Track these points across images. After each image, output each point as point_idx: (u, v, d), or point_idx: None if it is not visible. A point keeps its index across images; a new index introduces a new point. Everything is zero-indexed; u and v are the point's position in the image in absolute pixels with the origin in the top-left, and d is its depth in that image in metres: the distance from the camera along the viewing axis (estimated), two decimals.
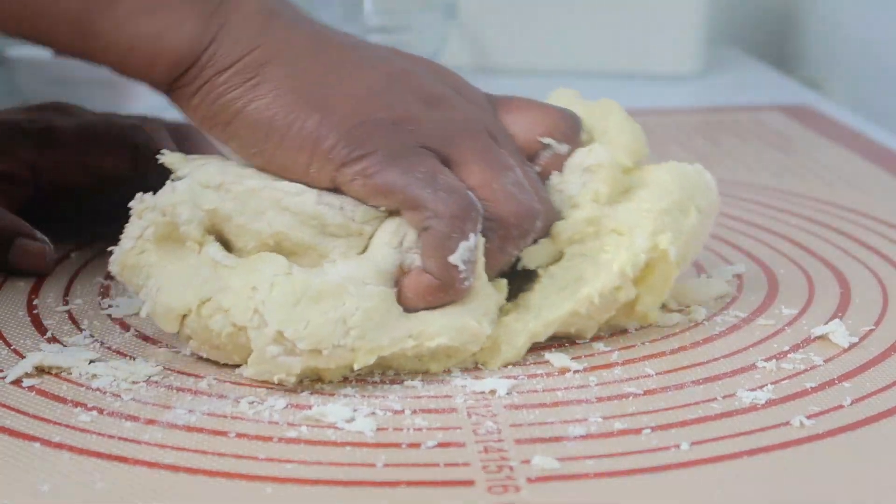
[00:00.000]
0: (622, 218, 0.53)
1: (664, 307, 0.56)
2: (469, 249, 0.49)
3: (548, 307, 0.51)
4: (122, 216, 0.69)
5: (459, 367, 0.50)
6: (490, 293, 0.50)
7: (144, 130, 0.65)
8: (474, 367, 0.50)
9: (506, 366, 0.50)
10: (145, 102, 1.00)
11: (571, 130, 0.55)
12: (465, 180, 0.50)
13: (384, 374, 0.50)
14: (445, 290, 0.49)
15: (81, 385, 0.48)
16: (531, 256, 0.53)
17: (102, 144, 0.65)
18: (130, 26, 0.50)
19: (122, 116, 0.68)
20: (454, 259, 0.48)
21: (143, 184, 0.66)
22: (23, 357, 0.50)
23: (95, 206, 0.68)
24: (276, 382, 0.48)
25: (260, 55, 0.50)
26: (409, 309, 0.49)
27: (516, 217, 0.50)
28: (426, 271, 0.49)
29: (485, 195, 0.50)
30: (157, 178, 0.60)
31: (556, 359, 0.51)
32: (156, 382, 0.49)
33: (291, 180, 0.50)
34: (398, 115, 0.51)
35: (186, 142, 0.66)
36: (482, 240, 0.50)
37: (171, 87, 0.52)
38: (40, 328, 0.54)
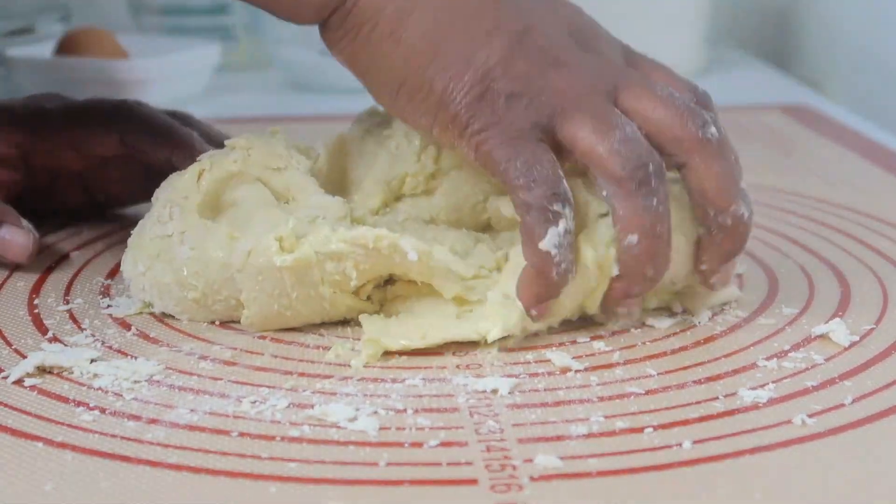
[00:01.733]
0: None
1: (664, 309, 0.56)
2: (559, 234, 0.49)
3: None
4: (114, 206, 0.70)
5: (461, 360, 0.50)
6: None
7: (129, 107, 0.66)
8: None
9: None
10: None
11: (706, 98, 0.55)
12: (573, 147, 0.51)
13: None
14: (541, 278, 0.50)
15: (83, 384, 0.48)
16: None
17: (91, 125, 0.66)
18: None
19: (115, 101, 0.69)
20: (544, 245, 0.49)
21: (132, 166, 0.67)
22: (24, 357, 0.50)
23: (86, 190, 0.68)
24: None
25: (402, 4, 0.52)
26: (529, 313, 0.51)
27: (624, 170, 0.50)
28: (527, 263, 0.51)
29: (592, 160, 0.51)
30: (138, 142, 0.61)
31: (558, 358, 0.51)
32: (157, 382, 0.49)
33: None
34: (518, 86, 0.51)
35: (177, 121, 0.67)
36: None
37: (321, 27, 0.54)
38: (41, 328, 0.54)
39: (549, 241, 0.50)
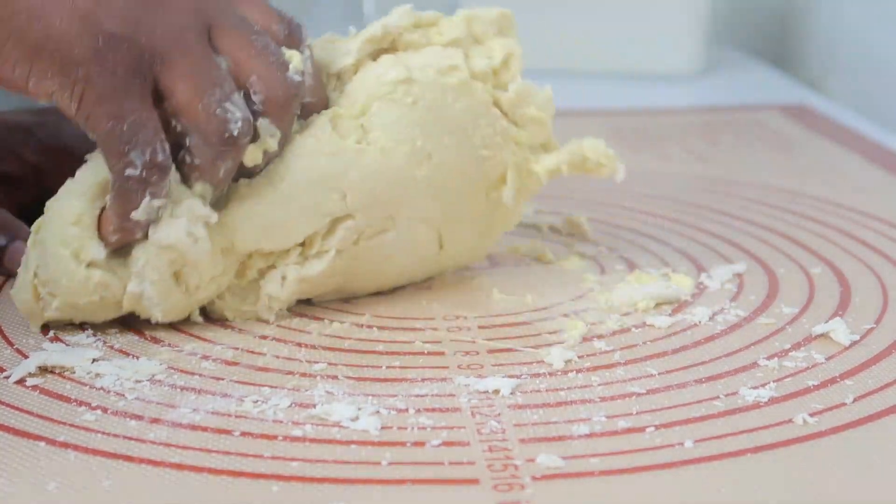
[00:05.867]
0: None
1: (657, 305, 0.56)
2: (154, 208, 0.51)
3: None
4: None
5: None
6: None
7: None
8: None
9: None
10: None
11: (298, 31, 0.55)
12: (170, 97, 0.51)
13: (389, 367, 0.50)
14: (120, 219, 0.51)
15: (85, 384, 0.49)
16: None
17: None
18: None
19: None
20: (137, 215, 0.51)
21: None
22: (26, 357, 0.50)
23: None
24: None
25: None
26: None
27: (216, 135, 0.51)
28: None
29: (189, 116, 0.51)
30: None
31: (558, 358, 0.51)
32: (159, 381, 0.49)
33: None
34: (117, 25, 0.50)
35: None
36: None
37: None
38: (43, 328, 0.54)
39: (142, 212, 0.51)
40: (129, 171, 0.50)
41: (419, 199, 0.55)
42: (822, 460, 0.43)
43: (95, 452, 0.43)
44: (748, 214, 0.72)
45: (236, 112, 0.51)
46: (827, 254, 0.65)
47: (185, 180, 0.52)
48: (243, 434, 0.45)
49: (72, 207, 0.52)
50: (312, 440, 0.44)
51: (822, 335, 0.53)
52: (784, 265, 0.63)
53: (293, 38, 0.55)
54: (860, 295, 0.58)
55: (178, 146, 0.52)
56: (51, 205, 0.53)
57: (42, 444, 0.44)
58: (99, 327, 0.54)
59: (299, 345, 0.53)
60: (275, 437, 0.44)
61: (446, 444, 0.44)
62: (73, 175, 0.65)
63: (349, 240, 0.55)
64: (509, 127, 0.58)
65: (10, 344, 0.53)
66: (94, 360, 0.50)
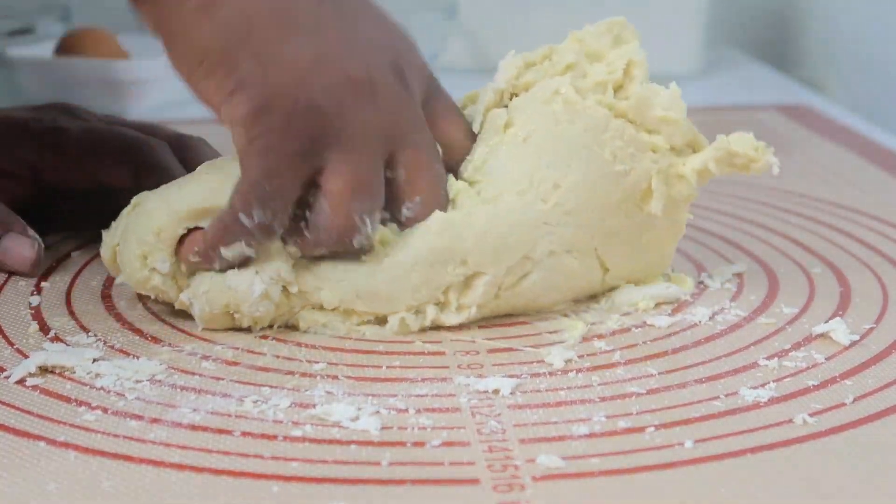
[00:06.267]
0: None
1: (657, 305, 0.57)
2: (240, 253, 0.52)
3: None
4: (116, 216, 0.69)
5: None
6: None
7: (150, 147, 0.65)
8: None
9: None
10: (147, 103, 1.00)
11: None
12: (325, 183, 0.51)
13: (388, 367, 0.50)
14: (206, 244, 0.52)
15: (85, 384, 0.49)
16: None
17: (105, 155, 0.65)
18: None
19: (128, 124, 0.68)
20: (225, 252, 0.52)
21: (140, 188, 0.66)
22: (26, 356, 0.50)
23: (95, 208, 0.68)
24: None
25: None
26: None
27: (338, 233, 0.52)
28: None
29: (329, 204, 0.51)
30: (149, 186, 0.60)
31: (558, 358, 0.51)
32: (159, 381, 0.49)
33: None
34: (318, 100, 0.51)
35: (188, 153, 0.66)
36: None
37: None
38: (43, 327, 0.54)
39: (231, 253, 0.52)
40: (243, 218, 0.51)
41: (554, 232, 0.54)
42: (822, 460, 0.43)
43: (95, 452, 0.43)
44: (748, 214, 0.72)
45: (369, 228, 0.52)
46: (827, 254, 0.65)
47: (285, 236, 0.52)
48: (243, 434, 0.45)
49: (159, 219, 0.53)
50: (312, 440, 0.44)
51: (821, 335, 0.53)
52: (784, 265, 0.63)
53: None
54: (860, 294, 0.58)
55: (302, 203, 0.52)
56: (148, 198, 0.54)
57: (42, 444, 0.44)
58: (99, 328, 0.54)
59: (299, 345, 0.53)
60: (275, 437, 0.44)
61: (446, 444, 0.44)
62: (69, 175, 0.65)
63: (490, 294, 0.54)
64: (639, 135, 0.56)
65: (11, 344, 0.53)
66: (94, 360, 0.50)
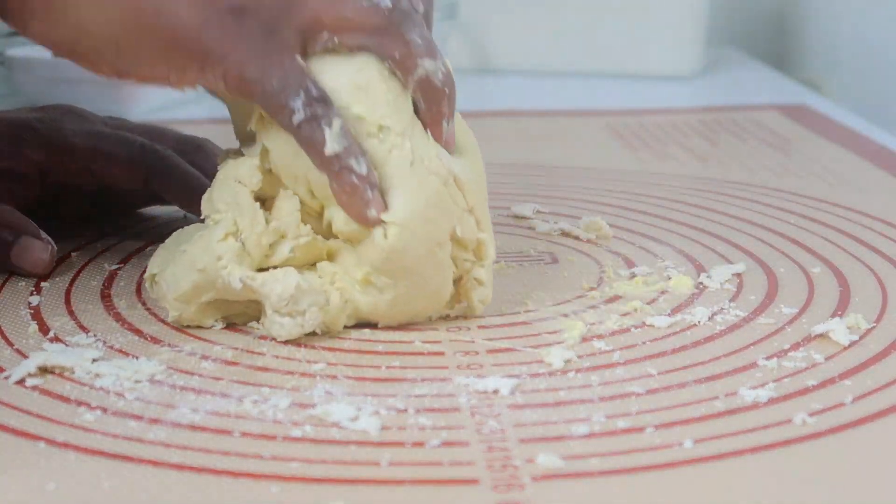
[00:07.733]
0: None
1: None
2: (337, 133, 0.50)
3: None
4: (128, 215, 0.69)
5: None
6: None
7: (155, 151, 0.65)
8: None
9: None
10: (147, 104, 1.00)
11: None
12: (318, 24, 0.50)
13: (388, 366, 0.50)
14: (340, 186, 0.50)
15: (85, 384, 0.49)
16: None
17: (111, 158, 0.65)
18: None
19: (133, 126, 0.68)
20: (329, 149, 0.50)
21: (150, 192, 0.67)
22: (26, 357, 0.51)
23: (101, 207, 0.68)
24: None
25: None
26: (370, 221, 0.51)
27: (379, 17, 0.50)
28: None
29: (343, 25, 0.50)
30: (161, 189, 0.60)
31: (558, 358, 0.51)
32: (159, 381, 0.49)
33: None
34: (232, 4, 0.50)
35: (196, 154, 0.66)
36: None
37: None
38: (43, 328, 0.54)
39: (332, 143, 0.50)
40: (296, 119, 0.50)
41: None
42: (822, 460, 0.43)
43: (95, 453, 0.43)
44: (748, 214, 0.72)
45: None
46: (827, 254, 0.65)
47: None
48: (243, 434, 0.45)
49: (184, 284, 0.53)
50: (312, 440, 0.44)
51: (821, 335, 0.53)
52: (784, 265, 0.63)
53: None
54: (859, 294, 0.58)
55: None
56: (190, 240, 0.53)
57: (42, 444, 0.44)
58: (99, 328, 0.54)
59: (299, 345, 0.53)
60: (274, 438, 0.44)
61: (446, 444, 0.44)
62: (76, 176, 0.65)
63: None
64: None
65: (10, 344, 0.53)
66: (94, 360, 0.50)
